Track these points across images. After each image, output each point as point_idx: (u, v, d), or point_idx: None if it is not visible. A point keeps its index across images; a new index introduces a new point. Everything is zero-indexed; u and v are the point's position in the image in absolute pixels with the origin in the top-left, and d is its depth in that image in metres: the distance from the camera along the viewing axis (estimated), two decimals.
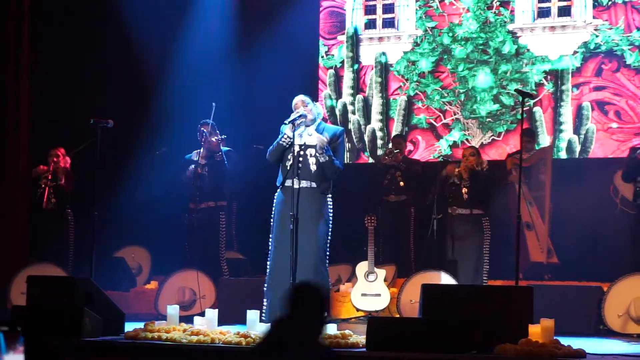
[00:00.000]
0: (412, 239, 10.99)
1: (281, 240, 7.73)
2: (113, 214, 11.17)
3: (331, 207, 7.87)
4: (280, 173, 7.88)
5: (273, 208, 7.96)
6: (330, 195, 7.88)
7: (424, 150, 12.01)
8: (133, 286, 10.95)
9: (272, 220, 7.95)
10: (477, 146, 11.32)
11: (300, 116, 7.74)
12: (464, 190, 9.80)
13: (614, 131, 11.27)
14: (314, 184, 7.76)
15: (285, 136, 7.77)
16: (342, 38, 12.50)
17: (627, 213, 10.18)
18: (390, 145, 11.66)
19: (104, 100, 11.96)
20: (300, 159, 7.72)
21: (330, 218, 7.86)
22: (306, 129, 7.84)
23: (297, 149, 7.75)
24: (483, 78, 11.79)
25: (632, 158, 9.77)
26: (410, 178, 11.07)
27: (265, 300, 7.81)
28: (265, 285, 7.85)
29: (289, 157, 7.79)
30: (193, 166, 10.24)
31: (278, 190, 7.89)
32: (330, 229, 7.85)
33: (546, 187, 10.51)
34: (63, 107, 12.32)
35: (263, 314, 7.66)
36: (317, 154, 7.76)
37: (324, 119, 8.34)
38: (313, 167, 7.76)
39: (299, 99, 7.95)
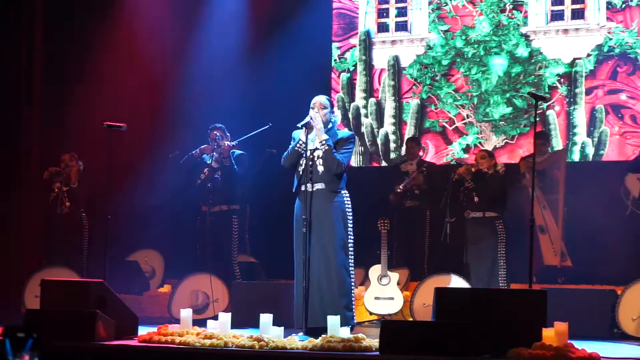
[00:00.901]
0: (427, 243, 10.98)
1: (299, 245, 7.73)
2: (126, 218, 11.18)
3: (349, 204, 7.80)
4: (295, 179, 7.85)
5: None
6: (346, 193, 7.81)
7: (437, 154, 12.00)
8: (146, 290, 10.96)
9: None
10: (490, 149, 11.31)
11: (309, 122, 7.70)
12: (474, 193, 9.80)
13: (629, 135, 11.23)
14: (325, 185, 7.73)
15: (301, 142, 7.75)
16: (354, 41, 12.50)
17: (638, 214, 10.14)
18: (405, 147, 11.61)
19: (117, 104, 11.99)
20: (310, 163, 7.71)
21: (349, 216, 7.78)
22: (313, 134, 7.79)
23: (307, 154, 7.72)
24: (499, 62, 11.79)
25: None
26: (427, 188, 11.03)
27: (295, 304, 7.80)
28: (294, 291, 7.85)
29: (301, 162, 7.77)
30: (194, 152, 10.28)
31: (296, 197, 7.87)
32: (350, 227, 7.78)
33: (560, 190, 10.49)
34: (76, 111, 12.34)
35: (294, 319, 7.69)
36: (320, 146, 7.70)
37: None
38: (321, 168, 7.73)
39: (317, 99, 7.89)
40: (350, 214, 7.80)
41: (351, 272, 7.75)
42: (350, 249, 7.75)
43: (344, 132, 7.98)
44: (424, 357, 6.05)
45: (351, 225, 7.80)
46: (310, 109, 7.83)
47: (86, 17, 12.41)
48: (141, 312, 8.66)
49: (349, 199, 7.82)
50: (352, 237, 7.79)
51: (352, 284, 7.74)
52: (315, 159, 7.73)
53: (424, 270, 10.63)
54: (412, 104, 12.17)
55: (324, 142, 7.70)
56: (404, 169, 11.26)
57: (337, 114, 8.03)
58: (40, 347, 3.23)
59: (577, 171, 10.95)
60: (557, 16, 11.66)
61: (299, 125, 7.74)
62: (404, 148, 11.87)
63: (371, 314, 9.61)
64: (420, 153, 11.57)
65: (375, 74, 12.41)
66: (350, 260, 7.74)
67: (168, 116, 12.12)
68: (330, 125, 7.88)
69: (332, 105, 7.99)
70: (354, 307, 7.75)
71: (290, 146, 7.84)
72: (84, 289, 7.32)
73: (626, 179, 10.37)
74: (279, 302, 8.61)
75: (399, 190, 11.01)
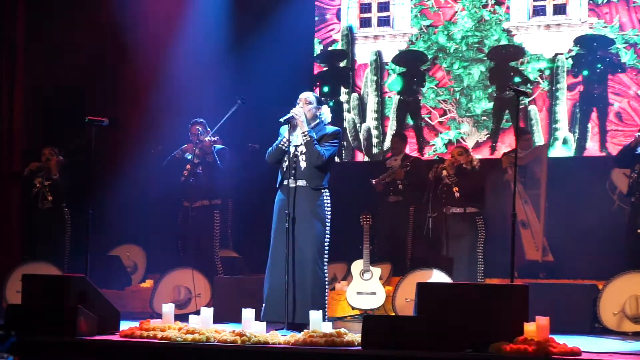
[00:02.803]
0: (410, 238, 10.98)
1: (278, 238, 7.71)
2: (108, 213, 11.15)
3: (328, 204, 7.78)
4: (279, 174, 7.83)
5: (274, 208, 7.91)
6: (326, 192, 7.79)
7: (419, 149, 12.00)
8: (128, 285, 10.93)
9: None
10: (472, 144, 11.35)
11: (292, 117, 7.67)
12: (455, 189, 9.78)
13: (612, 131, 11.27)
14: (307, 182, 7.71)
15: (285, 139, 7.73)
16: (337, 36, 12.50)
17: (624, 209, 10.18)
18: (390, 143, 11.59)
19: (99, 98, 11.95)
20: (295, 159, 7.69)
21: (327, 216, 7.76)
22: (297, 131, 7.77)
23: (292, 149, 7.71)
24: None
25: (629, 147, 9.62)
26: (409, 183, 11.03)
27: (264, 297, 7.77)
28: (264, 284, 7.81)
29: (285, 158, 7.75)
30: (176, 153, 10.26)
31: (278, 190, 7.85)
32: (328, 227, 7.77)
33: (541, 186, 10.52)
34: (58, 106, 12.30)
35: (262, 312, 7.65)
36: (302, 137, 7.68)
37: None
38: (303, 164, 7.71)
39: (303, 95, 7.85)
40: (329, 214, 7.78)
41: (325, 271, 7.73)
42: (326, 250, 7.74)
43: (331, 127, 7.93)
44: (406, 352, 6.06)
45: (329, 226, 7.77)
46: (297, 105, 7.81)
47: (69, 12, 12.36)
48: (123, 307, 8.64)
49: (329, 198, 7.79)
50: (329, 237, 7.77)
51: (326, 283, 7.73)
52: (299, 154, 7.72)
53: (406, 265, 10.64)
54: (394, 99, 12.18)
55: (305, 132, 7.67)
56: (389, 165, 11.26)
57: (326, 112, 7.97)
58: (5, 344, 3.17)
59: (558, 166, 10.99)
60: (539, 12, 11.68)
61: (281, 120, 7.73)
62: (386, 143, 11.87)
63: (353, 308, 9.61)
64: (407, 150, 11.55)
65: (359, 68, 12.42)
66: (324, 260, 7.72)
67: (151, 111, 12.08)
68: (317, 121, 7.85)
69: (319, 102, 7.94)
70: (326, 306, 7.72)
71: (275, 142, 7.82)
72: (65, 283, 7.31)
73: (612, 174, 10.42)
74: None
75: (373, 182, 11.02)
